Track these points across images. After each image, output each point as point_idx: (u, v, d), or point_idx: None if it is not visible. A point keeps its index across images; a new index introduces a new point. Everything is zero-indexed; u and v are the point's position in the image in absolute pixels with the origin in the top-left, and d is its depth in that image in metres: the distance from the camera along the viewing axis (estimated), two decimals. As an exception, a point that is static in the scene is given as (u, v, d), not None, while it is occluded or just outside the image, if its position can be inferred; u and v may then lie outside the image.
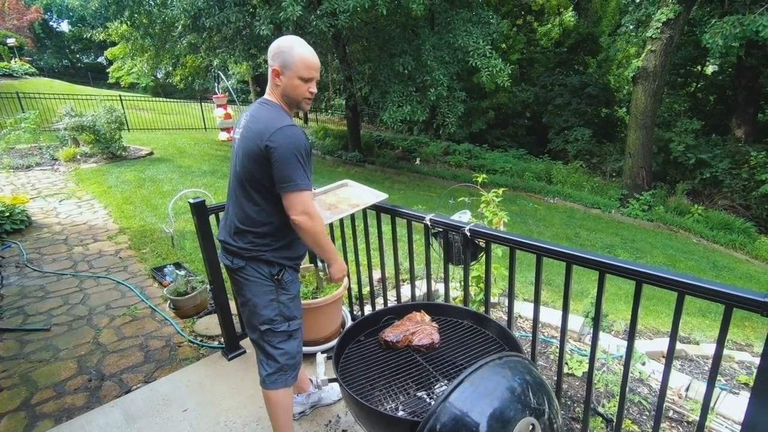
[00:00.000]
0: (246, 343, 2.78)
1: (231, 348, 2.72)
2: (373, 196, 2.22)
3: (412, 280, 2.34)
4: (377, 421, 1.18)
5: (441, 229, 1.90)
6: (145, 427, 2.16)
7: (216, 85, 25.98)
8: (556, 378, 1.95)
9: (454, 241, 1.84)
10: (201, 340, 2.97)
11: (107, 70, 29.93)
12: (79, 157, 9.05)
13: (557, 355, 3.01)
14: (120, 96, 15.45)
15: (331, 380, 1.46)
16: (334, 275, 1.71)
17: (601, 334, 3.26)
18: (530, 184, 12.82)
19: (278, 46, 1.57)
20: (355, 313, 2.89)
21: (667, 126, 13.85)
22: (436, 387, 1.40)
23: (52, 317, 3.31)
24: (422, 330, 1.56)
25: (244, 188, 1.60)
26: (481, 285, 2.52)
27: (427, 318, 1.63)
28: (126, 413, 2.26)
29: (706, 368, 2.98)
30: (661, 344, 3.18)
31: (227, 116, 6.31)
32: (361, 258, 2.68)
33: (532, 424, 1.09)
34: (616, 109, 18.54)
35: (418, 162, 15.37)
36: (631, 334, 1.50)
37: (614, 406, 2.61)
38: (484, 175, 2.88)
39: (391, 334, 1.55)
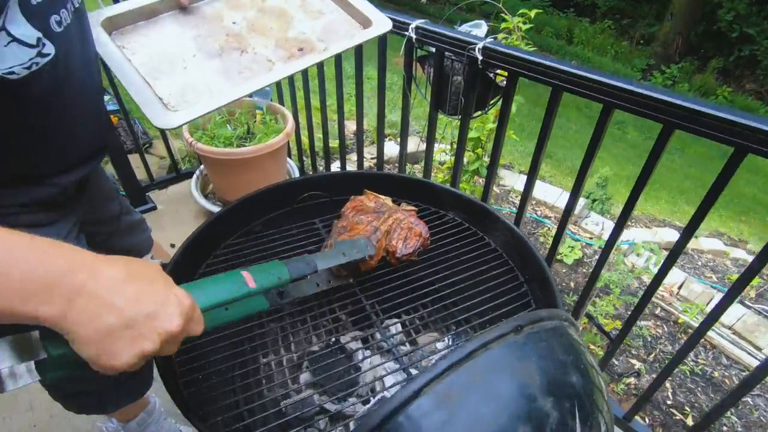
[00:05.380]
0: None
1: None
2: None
3: (380, 134, 1.60)
4: None
5: (433, 49, 1.09)
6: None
7: None
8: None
9: (453, 71, 1.05)
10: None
11: None
12: None
13: (546, 237, 2.61)
14: None
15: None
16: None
17: (600, 218, 2.85)
18: (548, 42, 11.20)
19: None
20: (306, 170, 2.22)
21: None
22: (375, 333, 0.76)
23: None
24: (398, 223, 0.84)
25: None
26: (479, 151, 1.81)
27: (388, 200, 0.95)
28: None
29: (700, 263, 2.88)
30: (661, 235, 2.99)
31: None
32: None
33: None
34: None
35: None
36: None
37: (606, 304, 2.27)
38: None
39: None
